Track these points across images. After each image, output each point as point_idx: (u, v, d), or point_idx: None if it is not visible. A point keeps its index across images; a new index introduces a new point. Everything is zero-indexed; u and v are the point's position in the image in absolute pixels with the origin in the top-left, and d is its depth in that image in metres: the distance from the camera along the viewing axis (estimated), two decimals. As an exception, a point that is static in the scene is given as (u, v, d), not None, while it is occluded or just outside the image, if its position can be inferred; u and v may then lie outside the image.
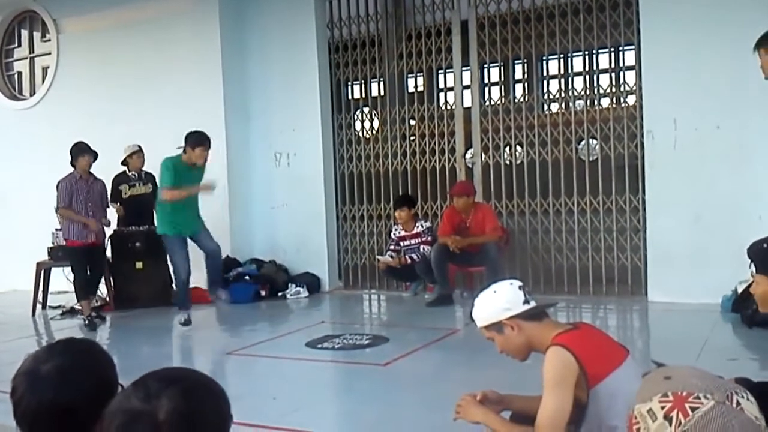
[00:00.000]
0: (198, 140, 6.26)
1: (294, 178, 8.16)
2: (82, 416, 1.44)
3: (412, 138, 8.15)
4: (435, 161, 7.85)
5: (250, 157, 8.37)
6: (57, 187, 6.77)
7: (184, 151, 6.29)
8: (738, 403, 1.02)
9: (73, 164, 6.80)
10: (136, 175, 7.68)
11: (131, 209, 7.60)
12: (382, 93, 8.32)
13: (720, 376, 1.07)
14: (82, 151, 6.77)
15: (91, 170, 6.92)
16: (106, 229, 7.25)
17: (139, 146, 7.67)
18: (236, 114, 8.23)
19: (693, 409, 1.01)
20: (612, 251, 6.97)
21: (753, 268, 2.47)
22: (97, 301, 7.51)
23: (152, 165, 7.73)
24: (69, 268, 7.06)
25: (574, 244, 7.15)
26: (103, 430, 1.20)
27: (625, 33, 6.83)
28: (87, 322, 6.71)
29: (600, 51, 7.28)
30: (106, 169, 7.67)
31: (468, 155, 7.85)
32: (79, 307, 7.12)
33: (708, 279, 6.03)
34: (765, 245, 4.00)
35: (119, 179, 7.70)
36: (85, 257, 6.84)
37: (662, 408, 1.03)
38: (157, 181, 6.84)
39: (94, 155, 6.85)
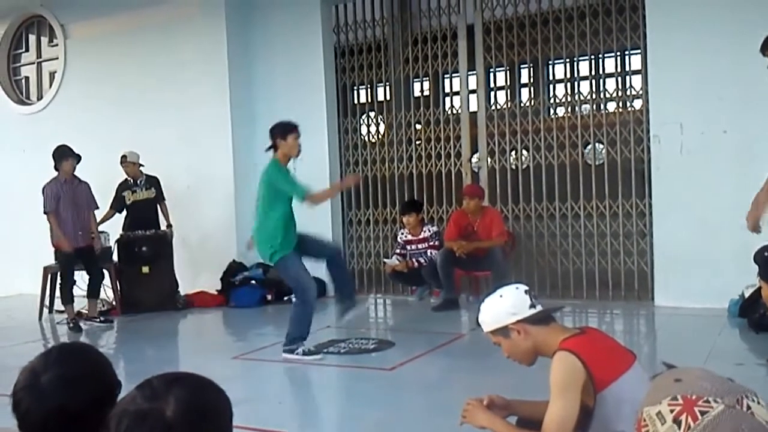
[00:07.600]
0: (287, 127, 5.19)
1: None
2: (88, 420, 1.44)
3: (418, 142, 8.14)
4: (441, 165, 7.84)
5: (256, 161, 8.31)
6: (42, 191, 6.77)
7: (274, 149, 5.21)
8: (748, 407, 1.01)
9: (56, 168, 6.81)
10: (135, 181, 7.73)
11: (136, 214, 7.64)
12: (388, 97, 8.32)
13: (730, 379, 1.07)
14: (65, 155, 6.77)
15: (75, 173, 6.90)
16: (108, 231, 7.27)
17: (124, 155, 7.68)
18: (243, 118, 8.22)
19: (702, 413, 1.01)
20: (618, 256, 6.94)
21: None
22: (104, 306, 7.53)
23: (159, 170, 7.77)
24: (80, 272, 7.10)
25: (581, 248, 7.13)
26: None
27: (631, 37, 6.82)
28: (71, 325, 6.73)
29: (606, 55, 7.26)
30: (114, 174, 7.73)
31: (474, 159, 7.84)
32: (86, 311, 7.13)
33: (715, 283, 6.00)
34: (766, 253, 4.00)
35: (123, 186, 7.78)
36: (74, 261, 6.82)
37: (671, 411, 1.03)
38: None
39: (78, 158, 6.84)
